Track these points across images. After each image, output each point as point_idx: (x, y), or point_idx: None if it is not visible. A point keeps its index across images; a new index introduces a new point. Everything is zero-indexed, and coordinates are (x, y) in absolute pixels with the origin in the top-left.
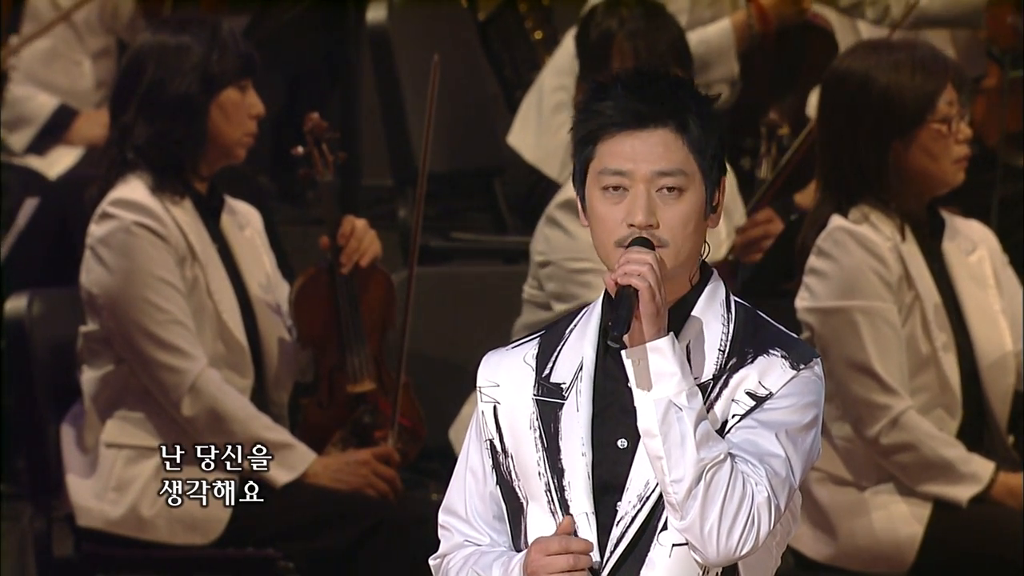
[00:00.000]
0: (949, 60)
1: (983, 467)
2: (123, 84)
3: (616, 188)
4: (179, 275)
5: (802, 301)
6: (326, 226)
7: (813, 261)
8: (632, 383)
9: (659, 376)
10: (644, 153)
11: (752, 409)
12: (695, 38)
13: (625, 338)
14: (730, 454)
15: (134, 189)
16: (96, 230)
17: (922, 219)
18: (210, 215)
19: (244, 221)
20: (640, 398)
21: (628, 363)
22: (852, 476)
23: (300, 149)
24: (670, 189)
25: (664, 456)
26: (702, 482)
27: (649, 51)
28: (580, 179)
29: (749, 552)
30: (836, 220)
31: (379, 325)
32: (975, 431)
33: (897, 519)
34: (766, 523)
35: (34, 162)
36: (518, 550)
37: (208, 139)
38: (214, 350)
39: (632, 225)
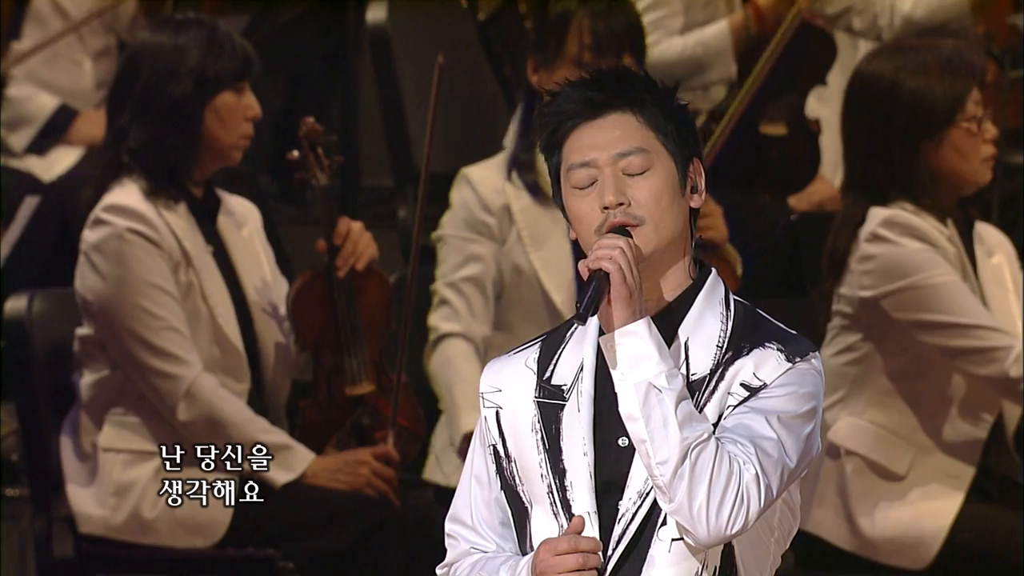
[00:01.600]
0: (975, 59)
1: None
2: (119, 85)
3: (587, 185)
4: (173, 281)
5: (863, 291)
6: (322, 229)
7: (868, 248)
8: (611, 367)
9: (637, 359)
10: (603, 139)
11: (746, 399)
12: (692, 40)
13: (604, 323)
14: (716, 436)
15: (128, 194)
16: (90, 236)
17: (958, 217)
18: (206, 217)
19: (242, 220)
20: (620, 383)
21: (605, 348)
22: (885, 463)
23: (295, 153)
24: (635, 168)
25: (648, 439)
26: (687, 461)
27: (608, 31)
28: (556, 188)
29: (740, 531)
30: (881, 212)
31: (377, 327)
32: (995, 431)
33: (926, 513)
34: (755, 501)
35: (34, 162)
36: (524, 555)
37: (203, 143)
38: (210, 355)
39: (605, 208)
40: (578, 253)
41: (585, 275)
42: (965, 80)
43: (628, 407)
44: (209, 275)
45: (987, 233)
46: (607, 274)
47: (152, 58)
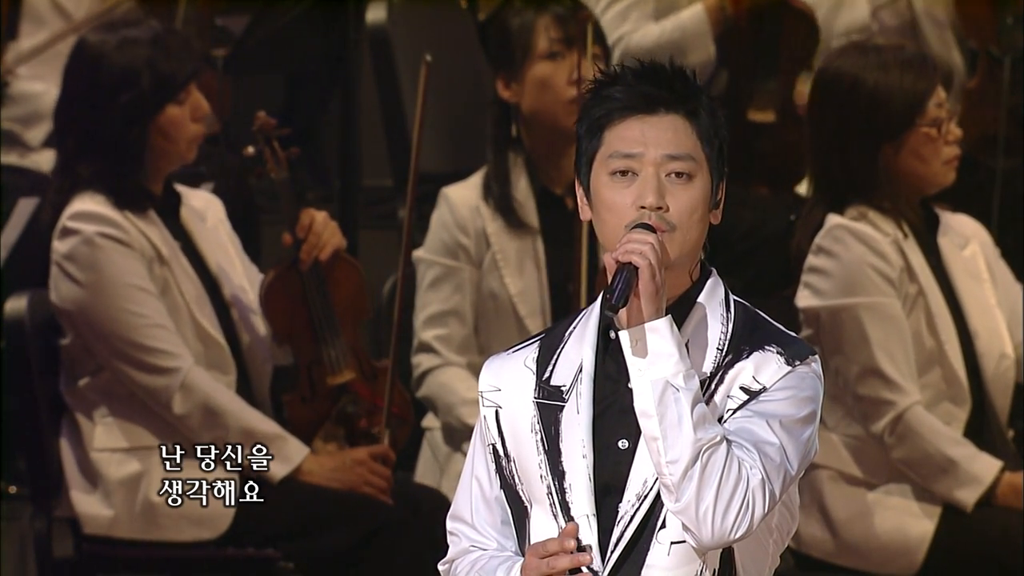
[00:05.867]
0: (937, 61)
1: (987, 467)
2: (61, 109)
3: (624, 173)
4: (149, 279)
5: (803, 300)
6: (286, 223)
7: (812, 260)
8: (629, 363)
9: (657, 356)
10: (654, 136)
11: (746, 403)
12: (670, 24)
13: (623, 318)
14: (726, 439)
15: (92, 201)
16: (60, 246)
17: (916, 216)
18: (169, 213)
19: (204, 213)
20: (637, 378)
21: (625, 342)
22: (862, 474)
23: (251, 149)
24: (679, 174)
25: (660, 437)
26: (698, 463)
27: (577, 27)
28: (585, 169)
29: (743, 535)
30: (834, 219)
31: (353, 314)
32: (977, 425)
33: (908, 519)
34: (760, 506)
35: (49, 157)
36: (523, 555)
37: (151, 158)
38: (194, 351)
39: (643, 207)
40: (554, 278)
41: (611, 267)
42: (925, 80)
43: (643, 403)
44: (181, 270)
45: (958, 223)
46: (636, 268)
47: (91, 78)
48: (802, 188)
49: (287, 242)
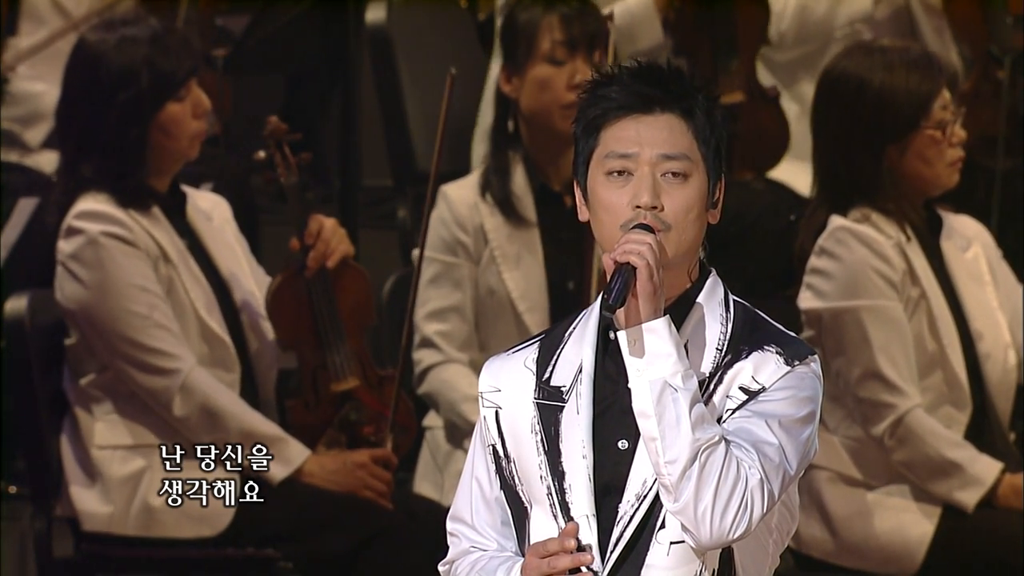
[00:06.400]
0: (943, 62)
1: (988, 468)
2: (62, 121)
3: (620, 172)
4: (154, 278)
5: (805, 301)
6: (294, 228)
7: (815, 261)
8: (627, 363)
9: (654, 357)
10: (649, 136)
11: (745, 403)
12: (618, 10)
13: (622, 318)
14: (724, 439)
15: (96, 200)
16: (65, 246)
17: (919, 218)
18: (175, 212)
19: (210, 212)
20: (635, 379)
21: (623, 342)
22: (862, 476)
23: (261, 154)
24: (675, 174)
25: (659, 437)
26: (696, 463)
27: (582, 31)
28: (583, 170)
29: (742, 535)
30: (837, 220)
31: (358, 321)
32: (978, 427)
33: (907, 520)
34: (759, 506)
35: (49, 157)
36: (523, 555)
37: (154, 157)
38: (199, 350)
39: (638, 207)
40: (552, 274)
41: (610, 267)
42: (931, 81)
43: (642, 404)
44: (186, 268)
45: (961, 225)
46: (634, 268)
47: (91, 77)
48: (800, 185)
49: (295, 247)
